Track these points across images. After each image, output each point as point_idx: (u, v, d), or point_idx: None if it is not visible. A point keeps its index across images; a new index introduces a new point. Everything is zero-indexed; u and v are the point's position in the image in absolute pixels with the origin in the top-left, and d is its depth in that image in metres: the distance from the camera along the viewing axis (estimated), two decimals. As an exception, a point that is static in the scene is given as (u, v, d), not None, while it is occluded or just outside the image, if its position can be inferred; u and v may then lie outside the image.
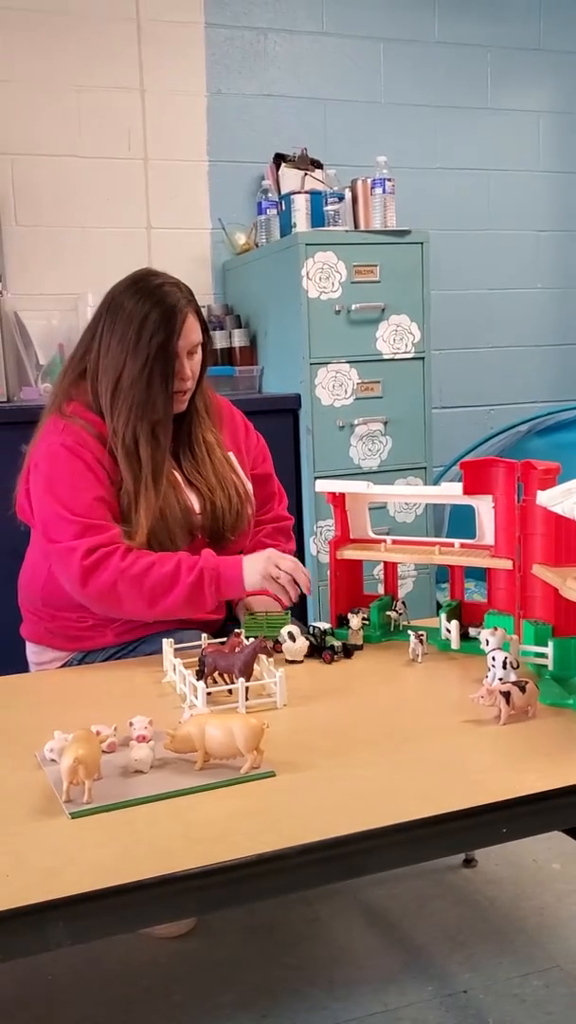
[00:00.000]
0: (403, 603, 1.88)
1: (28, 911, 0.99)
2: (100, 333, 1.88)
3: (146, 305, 1.84)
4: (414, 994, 1.77)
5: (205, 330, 1.94)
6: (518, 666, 1.51)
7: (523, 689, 1.42)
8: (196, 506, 1.93)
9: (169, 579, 1.77)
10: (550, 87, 3.93)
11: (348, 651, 1.75)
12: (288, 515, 2.19)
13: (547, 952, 1.87)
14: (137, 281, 1.89)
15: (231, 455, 2.03)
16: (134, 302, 1.84)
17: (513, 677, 1.47)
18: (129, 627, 1.87)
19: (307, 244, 2.90)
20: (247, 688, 1.49)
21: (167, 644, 1.69)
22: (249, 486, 2.04)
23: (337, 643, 1.74)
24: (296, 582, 1.81)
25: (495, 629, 1.60)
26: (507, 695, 1.41)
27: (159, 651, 1.73)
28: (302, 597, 1.86)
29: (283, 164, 3.32)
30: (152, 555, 1.80)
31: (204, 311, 3.29)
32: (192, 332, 1.88)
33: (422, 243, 3.04)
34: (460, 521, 2.91)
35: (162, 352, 1.83)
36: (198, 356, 1.93)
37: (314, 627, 1.77)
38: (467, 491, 1.75)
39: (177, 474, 1.94)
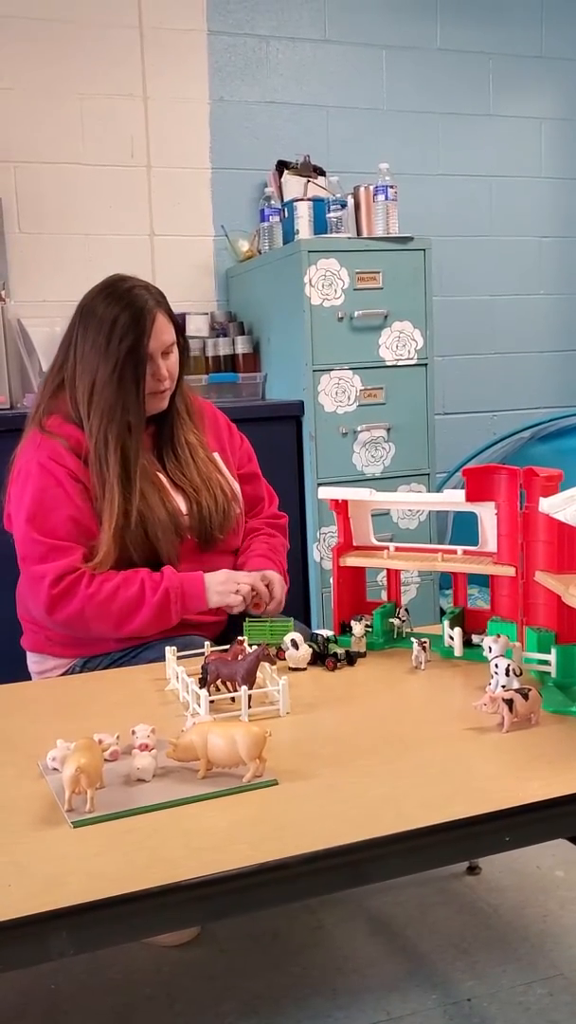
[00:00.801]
0: (406, 610, 1.87)
1: (30, 921, 0.98)
2: (75, 341, 1.91)
3: (115, 309, 1.85)
4: (417, 1002, 1.77)
5: (179, 331, 1.95)
6: (521, 673, 1.51)
7: (526, 696, 1.42)
8: (183, 508, 1.94)
9: (135, 602, 1.82)
10: (552, 93, 3.93)
11: (351, 658, 1.75)
12: (281, 513, 2.19)
13: (551, 960, 1.87)
14: (107, 287, 1.91)
15: (216, 455, 2.04)
16: (104, 307, 1.86)
17: (516, 684, 1.47)
18: (133, 633, 1.88)
19: (310, 251, 2.90)
20: (250, 696, 1.49)
21: (170, 652, 1.69)
22: (236, 485, 2.05)
23: (340, 650, 1.74)
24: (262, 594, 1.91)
25: (498, 636, 1.59)
26: (510, 702, 1.40)
27: (161, 658, 1.73)
28: (306, 603, 1.86)
29: (286, 171, 3.32)
30: (116, 577, 1.83)
31: (207, 318, 3.33)
32: (163, 332, 1.89)
33: (424, 250, 3.04)
34: (463, 527, 2.91)
35: (132, 354, 1.85)
36: (174, 356, 1.94)
37: (317, 634, 1.77)
38: (470, 498, 1.74)
39: (162, 477, 1.95)
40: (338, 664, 1.72)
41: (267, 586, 1.94)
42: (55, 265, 3.27)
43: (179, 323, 1.97)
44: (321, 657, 1.73)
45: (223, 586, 1.87)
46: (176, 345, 1.94)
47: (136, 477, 1.88)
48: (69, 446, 1.87)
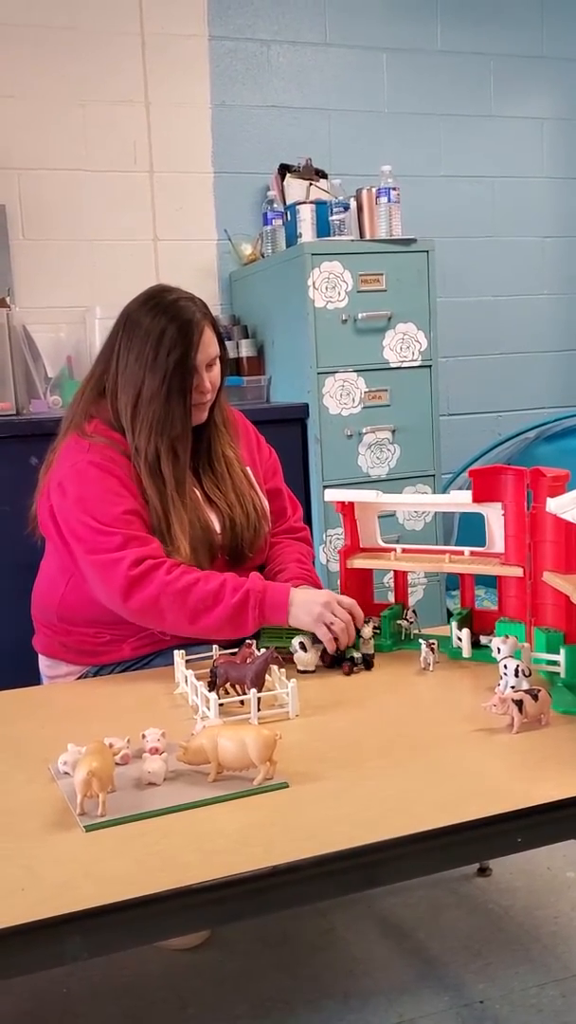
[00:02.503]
0: (414, 612, 1.87)
1: (43, 925, 0.99)
2: (118, 351, 1.88)
3: (162, 321, 1.83)
4: (430, 1005, 1.76)
5: (222, 343, 1.93)
6: (530, 674, 1.51)
7: (535, 697, 1.42)
8: (216, 525, 1.92)
9: (213, 597, 1.75)
10: (553, 94, 3.93)
11: (368, 662, 1.74)
12: (303, 525, 2.17)
13: (563, 962, 1.86)
14: (152, 297, 1.89)
15: (248, 470, 2.03)
16: (150, 318, 1.84)
17: (525, 685, 1.47)
18: (145, 641, 1.86)
19: (313, 254, 2.91)
20: (259, 699, 1.49)
21: (178, 656, 1.69)
22: (265, 502, 2.03)
23: (357, 654, 1.73)
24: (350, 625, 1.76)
25: (506, 637, 1.60)
26: (519, 703, 1.40)
27: (173, 663, 1.73)
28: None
29: (288, 174, 3.33)
30: (198, 571, 1.78)
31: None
32: (210, 345, 1.87)
33: (427, 251, 3.04)
34: (470, 528, 2.91)
35: (180, 367, 1.83)
36: (217, 368, 1.92)
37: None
38: (476, 499, 1.75)
39: (197, 491, 1.93)
40: (355, 668, 1.71)
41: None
42: (59, 271, 3.28)
43: (223, 335, 1.95)
44: (337, 661, 1.73)
45: (319, 609, 1.73)
46: (218, 357, 1.92)
47: (186, 489, 1.87)
48: (122, 450, 1.86)
